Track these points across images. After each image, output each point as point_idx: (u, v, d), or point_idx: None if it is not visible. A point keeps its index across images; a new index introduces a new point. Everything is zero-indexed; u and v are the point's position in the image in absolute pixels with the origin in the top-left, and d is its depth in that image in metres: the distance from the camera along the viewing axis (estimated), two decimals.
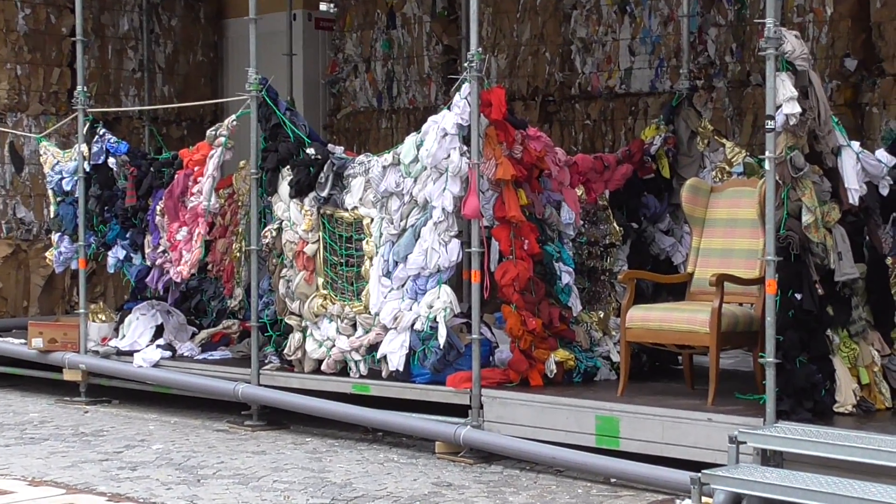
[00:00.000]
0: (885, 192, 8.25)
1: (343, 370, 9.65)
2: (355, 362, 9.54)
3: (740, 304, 8.42)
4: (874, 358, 8.09)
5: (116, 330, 11.45)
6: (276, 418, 10.05)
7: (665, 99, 11.46)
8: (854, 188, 7.90)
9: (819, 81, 7.86)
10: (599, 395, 8.57)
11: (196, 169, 10.59)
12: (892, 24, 10.76)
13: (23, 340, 11.79)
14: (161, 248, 10.88)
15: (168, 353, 10.90)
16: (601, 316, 9.74)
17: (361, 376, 9.51)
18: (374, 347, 9.40)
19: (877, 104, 10.73)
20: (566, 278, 9.25)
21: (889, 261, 8.39)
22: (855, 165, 7.94)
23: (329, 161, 9.76)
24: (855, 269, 8.00)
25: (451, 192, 8.92)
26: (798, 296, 7.77)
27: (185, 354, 10.97)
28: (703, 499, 7.11)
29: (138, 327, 11.21)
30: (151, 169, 11.15)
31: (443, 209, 8.98)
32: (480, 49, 8.83)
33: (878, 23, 10.90)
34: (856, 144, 8.09)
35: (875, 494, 6.61)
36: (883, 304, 8.33)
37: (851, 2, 11.05)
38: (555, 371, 8.99)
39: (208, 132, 10.69)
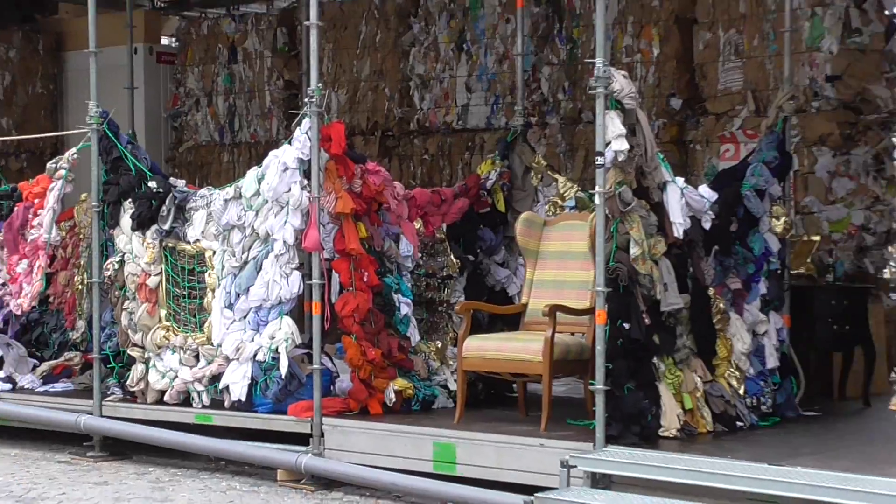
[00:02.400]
0: (707, 225, 8.43)
1: (186, 400, 9.51)
2: (198, 393, 9.44)
3: (572, 334, 8.50)
4: (697, 384, 8.26)
5: None
6: (118, 449, 9.80)
7: (500, 135, 11.50)
8: (679, 222, 8.08)
9: (646, 119, 8.01)
10: (437, 423, 8.59)
11: (36, 201, 10.43)
12: (713, 66, 11.08)
13: None
14: (0, 281, 10.65)
15: (8, 386, 10.62)
16: (439, 346, 9.75)
17: (204, 406, 9.40)
18: (216, 378, 9.30)
19: (700, 142, 10.98)
20: (405, 309, 9.30)
21: (711, 291, 8.53)
22: (679, 200, 8.12)
23: (171, 194, 9.63)
24: (680, 299, 8.20)
25: (292, 225, 8.88)
26: (626, 325, 7.89)
27: (26, 387, 10.66)
28: None
29: None
30: None
31: (284, 242, 8.93)
32: (321, 84, 8.83)
33: (700, 64, 11.21)
34: (680, 180, 8.26)
35: None
36: (705, 333, 8.48)
37: (676, 44, 11.34)
38: (394, 400, 8.98)
39: (48, 165, 10.54)
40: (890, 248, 10.89)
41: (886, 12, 10.74)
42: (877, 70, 10.64)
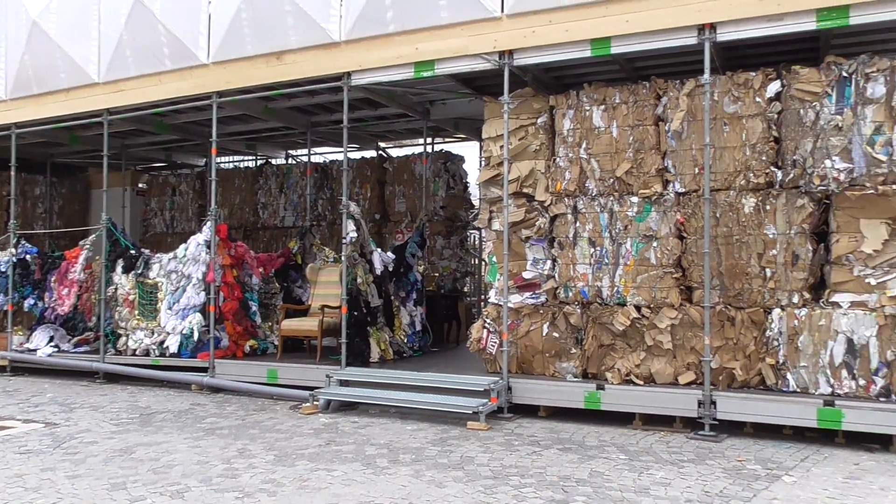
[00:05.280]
0: (390, 268, 8.44)
1: (147, 353, 8.78)
2: (153, 349, 8.72)
3: (332, 318, 8.31)
4: (386, 338, 8.23)
5: (28, 339, 9.97)
6: (113, 379, 8.96)
7: (300, 230, 11.13)
8: (378, 267, 8.10)
9: (364, 223, 7.98)
10: (269, 360, 8.25)
11: (73, 260, 9.51)
12: (393, 200, 11.10)
13: None
14: (54, 298, 9.61)
15: (56, 349, 9.56)
16: (270, 324, 9.36)
17: (156, 356, 8.69)
18: (162, 342, 8.66)
19: (388, 233, 10.93)
20: (254, 307, 8.89)
21: (392, 298, 8.53)
22: (378, 258, 8.13)
23: (142, 256, 8.98)
24: (379, 301, 8.20)
25: (201, 270, 8.46)
26: (356, 312, 7.81)
27: (65, 349, 9.59)
28: (314, 402, 6.99)
29: (41, 337, 9.79)
30: (50, 260, 9.86)
31: (197, 278, 8.47)
32: (216, 206, 8.38)
33: (388, 199, 11.20)
34: (378, 250, 8.24)
35: (383, 396, 6.73)
36: (389, 315, 8.47)
37: (377, 191, 11.22)
38: (249, 350, 8.60)
39: (80, 242, 9.69)
40: (466, 279, 11.18)
41: (464, 180, 11.05)
42: (461, 205, 10.93)
